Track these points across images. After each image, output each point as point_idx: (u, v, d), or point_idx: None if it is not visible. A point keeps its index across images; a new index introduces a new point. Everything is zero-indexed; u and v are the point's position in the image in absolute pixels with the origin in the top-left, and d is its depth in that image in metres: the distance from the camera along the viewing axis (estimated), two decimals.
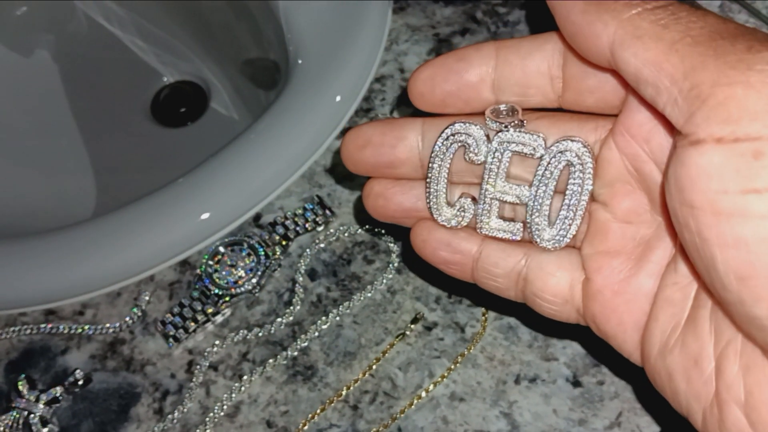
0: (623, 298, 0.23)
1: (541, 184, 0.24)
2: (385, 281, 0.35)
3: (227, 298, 0.35)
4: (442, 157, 0.25)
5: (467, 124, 0.24)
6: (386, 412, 0.32)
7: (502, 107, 0.24)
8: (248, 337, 0.34)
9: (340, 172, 0.38)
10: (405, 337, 0.33)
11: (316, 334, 0.34)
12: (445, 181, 0.25)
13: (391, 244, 0.36)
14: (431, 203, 0.25)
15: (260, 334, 0.34)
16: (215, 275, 0.35)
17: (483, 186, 0.25)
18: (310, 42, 0.40)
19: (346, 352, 0.34)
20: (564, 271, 0.24)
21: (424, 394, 0.32)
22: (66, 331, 0.35)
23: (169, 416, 0.33)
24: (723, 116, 0.17)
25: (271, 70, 0.47)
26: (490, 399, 0.32)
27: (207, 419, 0.32)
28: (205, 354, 0.34)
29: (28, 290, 0.36)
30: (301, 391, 0.33)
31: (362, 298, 0.35)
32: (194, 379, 0.33)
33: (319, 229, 0.37)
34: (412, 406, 0.32)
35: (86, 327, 0.35)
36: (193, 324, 0.34)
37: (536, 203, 0.24)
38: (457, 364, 0.33)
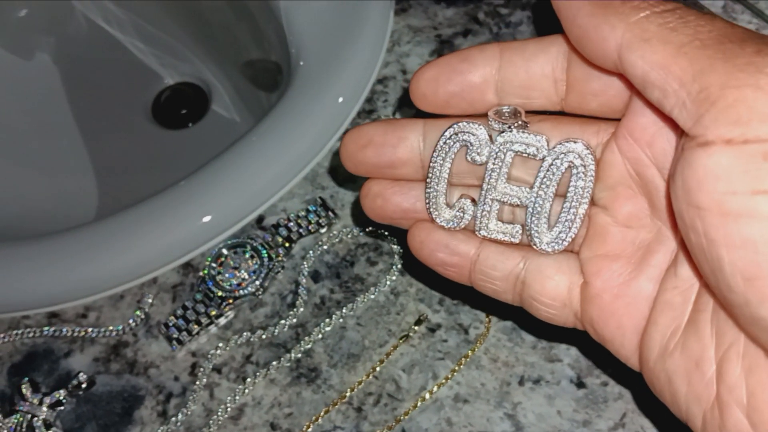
0: (622, 302, 0.23)
1: (542, 186, 0.24)
2: (388, 283, 0.35)
3: (230, 301, 0.35)
4: (444, 155, 0.25)
5: (471, 124, 0.24)
6: (390, 414, 0.32)
7: (505, 109, 0.24)
8: (252, 339, 0.34)
9: (342, 173, 0.38)
10: (408, 338, 0.33)
11: (320, 336, 0.34)
12: (446, 180, 0.25)
13: (394, 246, 0.36)
14: (430, 203, 0.25)
15: (264, 337, 0.34)
16: (218, 277, 0.35)
17: (484, 186, 0.25)
18: (311, 43, 0.40)
19: (349, 354, 0.33)
20: (562, 275, 0.24)
21: (428, 395, 0.32)
22: (69, 334, 0.35)
23: (173, 419, 0.33)
24: (733, 118, 0.17)
25: (273, 72, 0.47)
26: (494, 400, 0.32)
27: (211, 422, 0.32)
28: (209, 356, 0.34)
29: (31, 293, 0.36)
30: (305, 394, 0.33)
31: (365, 300, 0.35)
32: (198, 382, 0.33)
33: (322, 231, 0.37)
34: (416, 408, 0.32)
35: (89, 330, 0.35)
36: (196, 326, 0.34)
37: (536, 205, 0.24)
38: (461, 366, 0.33)
